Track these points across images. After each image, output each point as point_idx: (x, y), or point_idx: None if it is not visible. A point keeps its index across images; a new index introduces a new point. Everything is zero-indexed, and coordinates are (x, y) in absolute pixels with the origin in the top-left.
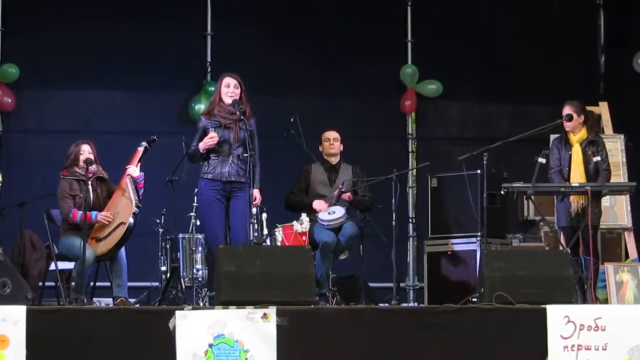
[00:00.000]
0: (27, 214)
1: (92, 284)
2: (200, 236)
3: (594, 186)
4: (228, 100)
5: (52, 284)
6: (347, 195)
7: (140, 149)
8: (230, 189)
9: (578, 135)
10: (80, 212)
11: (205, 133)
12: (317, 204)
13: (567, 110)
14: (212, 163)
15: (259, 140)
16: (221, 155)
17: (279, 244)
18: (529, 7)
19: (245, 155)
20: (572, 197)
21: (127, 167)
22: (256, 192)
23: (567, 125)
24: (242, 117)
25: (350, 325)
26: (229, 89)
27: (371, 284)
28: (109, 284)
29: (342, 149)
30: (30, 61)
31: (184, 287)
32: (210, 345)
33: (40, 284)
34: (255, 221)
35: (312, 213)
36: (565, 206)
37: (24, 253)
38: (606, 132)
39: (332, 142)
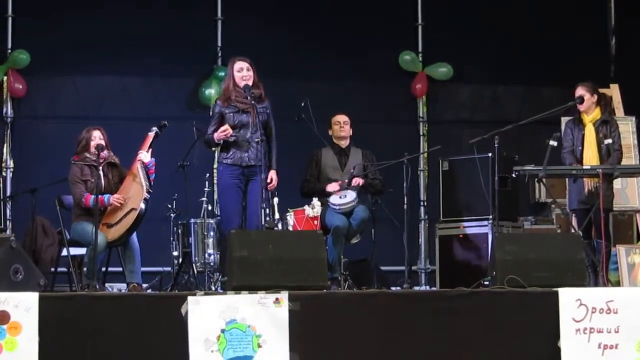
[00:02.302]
0: (38, 200)
1: (104, 269)
2: (212, 221)
3: (606, 168)
4: (243, 84)
5: (64, 269)
6: (357, 182)
7: (151, 135)
8: (249, 173)
9: (591, 116)
10: (93, 196)
11: (222, 119)
12: (331, 187)
13: (579, 91)
14: (232, 148)
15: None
16: (240, 140)
17: (290, 228)
18: None
19: (262, 138)
20: (585, 177)
21: (138, 152)
22: (272, 174)
23: (580, 107)
24: (253, 102)
25: (363, 309)
26: (243, 72)
27: (383, 268)
28: (121, 269)
29: (352, 133)
30: (41, 47)
31: (195, 272)
32: (223, 331)
33: (52, 270)
34: (265, 206)
35: (327, 196)
36: (577, 188)
37: (35, 239)
38: (617, 115)
39: (342, 126)
